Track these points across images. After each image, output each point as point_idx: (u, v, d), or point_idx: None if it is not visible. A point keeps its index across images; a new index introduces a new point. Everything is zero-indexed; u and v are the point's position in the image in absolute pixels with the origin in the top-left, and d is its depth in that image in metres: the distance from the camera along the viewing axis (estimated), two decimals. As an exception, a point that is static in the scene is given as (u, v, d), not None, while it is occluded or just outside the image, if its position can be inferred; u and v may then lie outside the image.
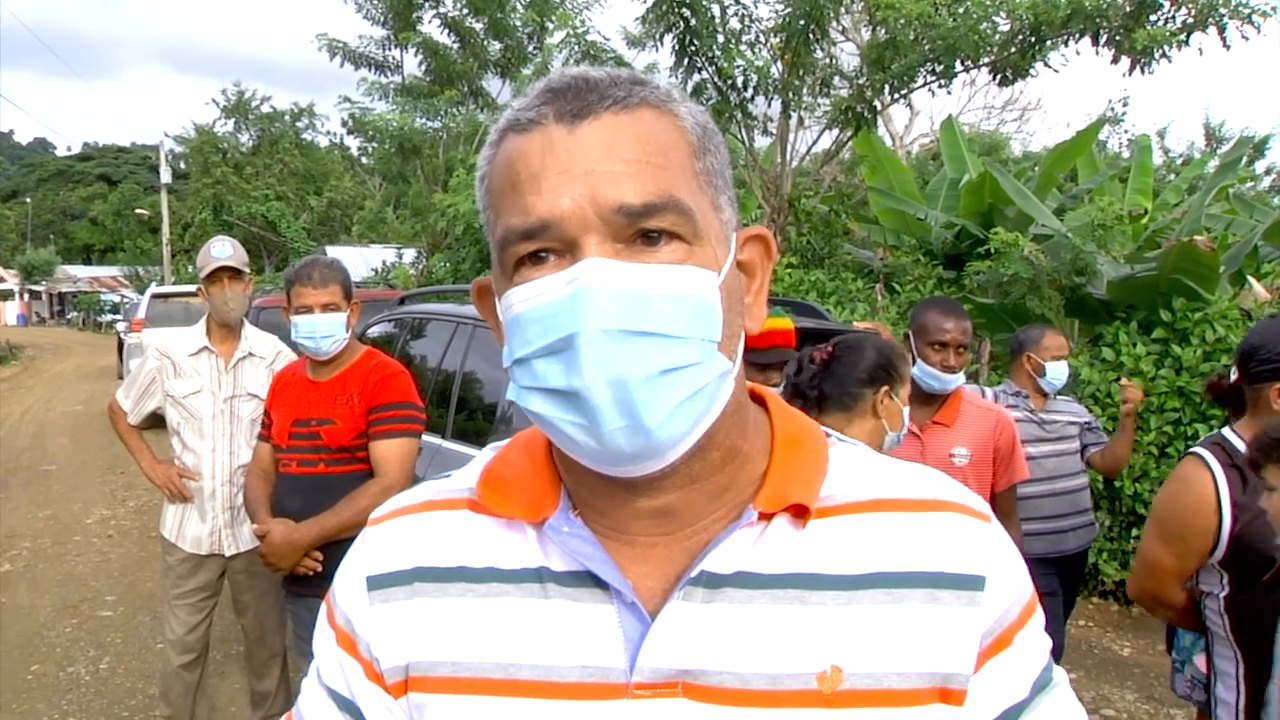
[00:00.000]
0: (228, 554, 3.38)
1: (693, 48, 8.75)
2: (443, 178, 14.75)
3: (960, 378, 3.00)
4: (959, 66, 8.45)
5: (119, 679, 4.60)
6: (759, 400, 0.81)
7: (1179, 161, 21.87)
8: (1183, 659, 2.65)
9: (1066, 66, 8.67)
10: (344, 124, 15.31)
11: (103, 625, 5.33)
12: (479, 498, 0.78)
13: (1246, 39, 7.49)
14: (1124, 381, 4.40)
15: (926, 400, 2.96)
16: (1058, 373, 3.71)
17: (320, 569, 2.86)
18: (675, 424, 0.66)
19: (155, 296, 14.14)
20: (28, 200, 65.62)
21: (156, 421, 3.53)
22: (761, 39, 8.99)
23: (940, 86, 8.77)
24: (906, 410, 2.30)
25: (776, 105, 9.23)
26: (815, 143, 10.35)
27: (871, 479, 0.77)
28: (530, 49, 16.19)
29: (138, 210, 45.36)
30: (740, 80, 8.87)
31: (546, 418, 0.68)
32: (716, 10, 8.81)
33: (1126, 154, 17.54)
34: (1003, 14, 7.99)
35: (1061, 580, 3.66)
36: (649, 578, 0.73)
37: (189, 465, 3.38)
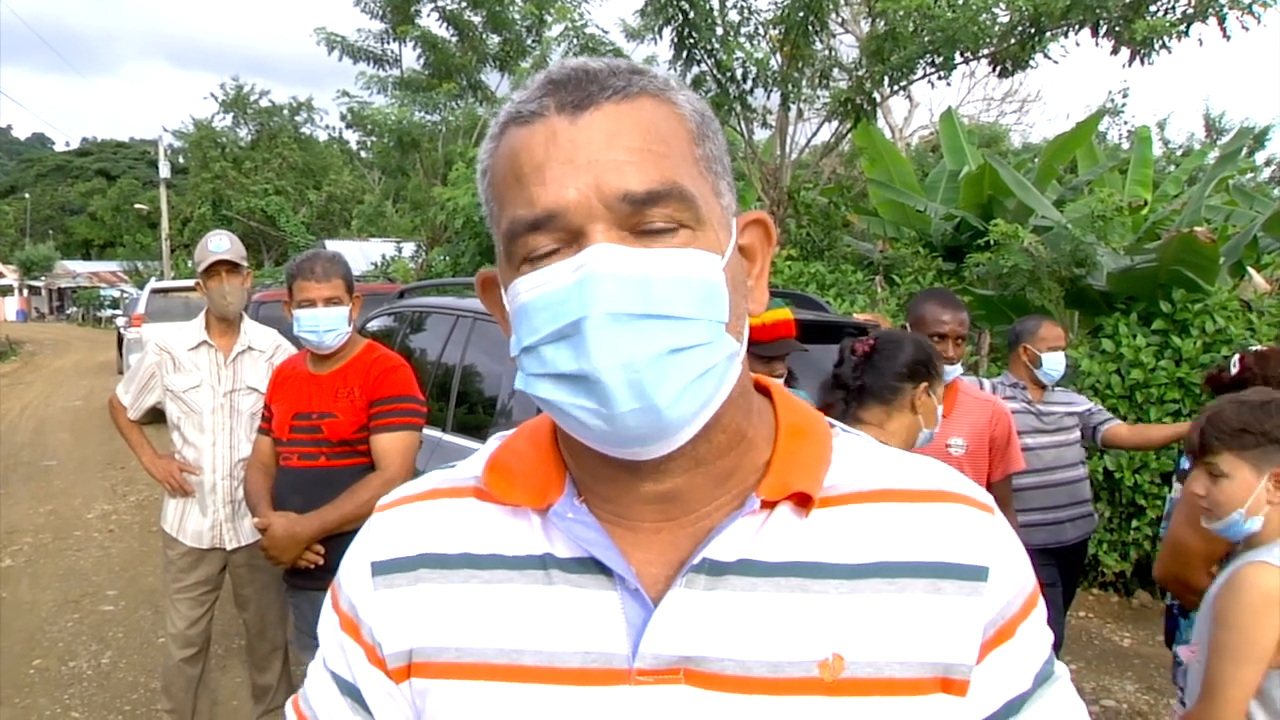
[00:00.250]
0: (229, 548, 3.39)
1: (691, 40, 8.73)
2: (442, 171, 14.72)
3: (958, 369, 3.02)
4: (958, 58, 8.42)
5: (121, 673, 4.61)
6: (763, 391, 0.81)
7: (1179, 153, 21.81)
8: (1183, 650, 2.66)
9: (1066, 58, 8.68)
10: (343, 118, 15.24)
11: (104, 620, 5.33)
12: (484, 485, 0.79)
13: (1246, 29, 7.48)
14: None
15: (925, 391, 2.97)
16: (1054, 364, 3.70)
17: (322, 562, 2.86)
18: (685, 404, 0.66)
19: (154, 291, 14.16)
20: (26, 196, 65.51)
21: (157, 416, 3.53)
22: (760, 31, 8.98)
23: (940, 78, 8.74)
24: (940, 408, 2.33)
25: (776, 97, 9.21)
26: (814, 135, 10.33)
27: (875, 469, 0.77)
28: (529, 42, 16.15)
29: (137, 205, 45.38)
30: (739, 73, 8.85)
31: (556, 403, 0.68)
32: (715, 2, 8.79)
33: (1126, 145, 17.50)
34: (1002, 5, 7.97)
35: (1061, 571, 3.67)
36: (652, 564, 0.73)
37: (189, 460, 3.38)
